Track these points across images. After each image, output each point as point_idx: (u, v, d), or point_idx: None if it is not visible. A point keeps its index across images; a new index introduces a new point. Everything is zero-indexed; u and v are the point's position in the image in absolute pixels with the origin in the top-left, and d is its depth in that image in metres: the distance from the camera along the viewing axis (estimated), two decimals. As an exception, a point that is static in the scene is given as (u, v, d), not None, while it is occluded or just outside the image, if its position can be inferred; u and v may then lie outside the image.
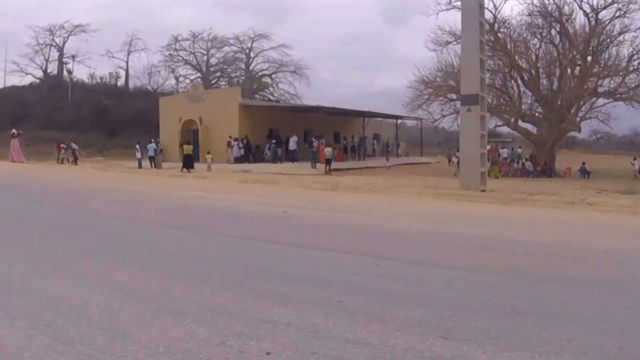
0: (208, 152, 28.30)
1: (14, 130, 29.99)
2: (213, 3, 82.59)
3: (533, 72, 26.84)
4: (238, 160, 31.27)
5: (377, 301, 3.89)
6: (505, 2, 26.67)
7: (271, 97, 59.65)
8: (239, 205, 9.92)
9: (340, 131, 37.99)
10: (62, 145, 31.61)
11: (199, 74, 62.43)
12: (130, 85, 59.49)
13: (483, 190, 15.43)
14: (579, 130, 27.20)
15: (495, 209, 11.09)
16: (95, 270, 4.64)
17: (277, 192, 13.05)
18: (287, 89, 60.87)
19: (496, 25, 26.93)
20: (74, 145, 31.60)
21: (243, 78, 62.11)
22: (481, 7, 16.69)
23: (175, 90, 59.69)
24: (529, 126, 28.61)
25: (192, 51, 61.36)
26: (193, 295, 3.89)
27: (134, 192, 12.67)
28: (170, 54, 60.16)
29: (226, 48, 62.27)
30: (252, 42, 61.33)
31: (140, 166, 28.49)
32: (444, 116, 29.02)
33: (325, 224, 7.84)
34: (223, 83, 62.13)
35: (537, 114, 27.84)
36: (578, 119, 25.80)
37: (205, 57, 62.55)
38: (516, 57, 26.75)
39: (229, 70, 64.92)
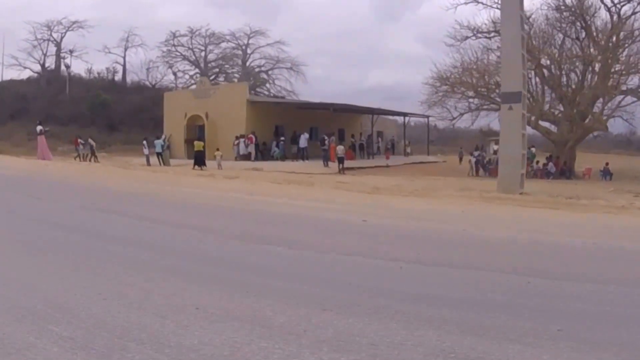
0: (217, 149, 27.45)
1: (40, 127, 28.78)
2: (205, 0, 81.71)
3: (554, 68, 26.21)
4: (245, 157, 30.53)
5: (598, 328, 3.32)
6: (526, -6, 25.69)
7: (266, 94, 58.96)
8: (307, 212, 8.97)
9: (345, 128, 37.19)
10: (80, 140, 30.59)
11: (197, 70, 61.74)
12: (128, 80, 59.40)
13: (521, 193, 14.88)
14: (606, 129, 26.63)
15: (554, 214, 10.37)
16: (224, 304, 3.76)
17: (326, 195, 12.09)
18: (284, 85, 60.43)
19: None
20: (91, 142, 30.56)
21: (239, 74, 61.50)
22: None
23: (174, 86, 59.62)
24: (546, 124, 27.93)
25: (190, 47, 60.89)
26: (390, 336, 3.08)
27: (181, 196, 11.66)
28: (169, 50, 59.80)
29: (224, 44, 62.20)
30: (249, 38, 61.34)
31: (148, 163, 27.71)
32: (462, 114, 28.22)
33: (420, 235, 7.02)
34: (221, 79, 61.36)
35: (556, 112, 27.21)
36: (605, 117, 25.16)
37: (203, 53, 61.86)
38: (536, 53, 26.10)
39: (227, 66, 64.18)
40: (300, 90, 59.07)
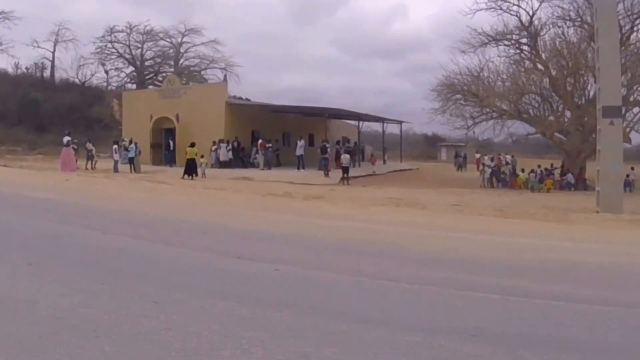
0: (202, 156, 24.04)
1: (68, 139, 23.85)
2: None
3: (567, 78, 25.26)
4: (226, 164, 27.25)
5: None
6: (542, 4, 24.76)
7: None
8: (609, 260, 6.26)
9: (315, 133, 34.53)
10: (73, 146, 25.47)
11: (133, 68, 56.57)
12: (57, 77, 53.71)
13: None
14: (629, 142, 26.06)
15: None
16: None
17: (483, 224, 9.41)
18: (217, 85, 57.15)
19: (532, 28, 25.22)
20: (89, 146, 26.13)
21: (170, 73, 57.19)
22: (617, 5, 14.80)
23: (106, 84, 55.01)
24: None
25: (127, 44, 55.52)
26: None
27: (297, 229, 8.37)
28: (105, 46, 54.83)
29: (162, 42, 58.40)
30: (182, 36, 57.65)
31: (116, 169, 24.40)
32: (475, 123, 26.59)
33: None
34: (160, 79, 56.46)
35: (565, 123, 26.32)
36: (628, 129, 24.42)
37: (139, 51, 56.83)
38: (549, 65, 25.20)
39: (162, 65, 59.41)
40: (231, 91, 55.68)
